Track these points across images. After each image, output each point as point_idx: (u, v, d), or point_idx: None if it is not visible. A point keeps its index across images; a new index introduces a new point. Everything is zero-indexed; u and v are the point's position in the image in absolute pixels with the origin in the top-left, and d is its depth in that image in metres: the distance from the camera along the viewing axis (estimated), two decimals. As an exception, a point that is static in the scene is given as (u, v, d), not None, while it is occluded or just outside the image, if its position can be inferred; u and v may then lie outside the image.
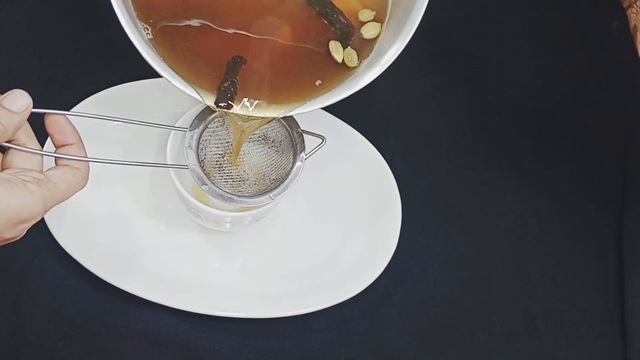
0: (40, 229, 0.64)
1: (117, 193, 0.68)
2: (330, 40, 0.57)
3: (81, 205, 0.66)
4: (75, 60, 0.73)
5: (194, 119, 0.61)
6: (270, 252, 0.68)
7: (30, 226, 0.50)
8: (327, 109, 0.71)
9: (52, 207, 0.50)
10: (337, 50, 0.56)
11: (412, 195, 0.70)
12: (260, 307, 0.65)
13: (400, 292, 0.68)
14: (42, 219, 0.63)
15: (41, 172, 0.51)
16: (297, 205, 0.69)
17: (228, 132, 0.62)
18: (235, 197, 0.60)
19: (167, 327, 0.64)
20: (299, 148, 0.61)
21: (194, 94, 0.53)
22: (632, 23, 0.63)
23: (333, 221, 0.70)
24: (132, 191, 0.68)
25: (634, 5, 0.64)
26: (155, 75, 0.68)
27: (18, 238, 0.50)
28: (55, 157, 0.53)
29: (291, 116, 0.58)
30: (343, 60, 0.56)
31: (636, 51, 0.61)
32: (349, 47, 0.57)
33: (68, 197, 0.52)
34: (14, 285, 0.65)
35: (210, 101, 0.54)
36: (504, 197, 0.73)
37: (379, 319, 0.67)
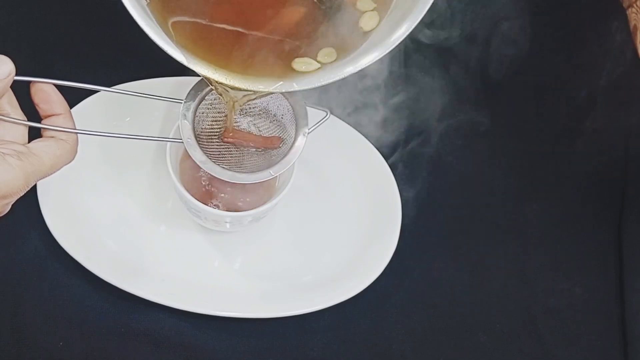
0: (40, 229, 0.65)
1: (117, 193, 0.68)
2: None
3: (82, 205, 0.66)
4: (75, 60, 0.73)
5: (190, 90, 0.57)
6: (270, 252, 0.68)
7: (13, 201, 0.47)
8: (328, 109, 0.71)
9: (36, 181, 0.48)
10: (305, 63, 0.52)
11: (412, 195, 0.70)
12: (260, 307, 0.65)
13: (400, 292, 0.68)
14: (42, 219, 0.64)
15: (24, 144, 0.48)
16: (296, 205, 0.69)
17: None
18: (233, 173, 0.56)
19: (167, 327, 0.64)
20: (301, 122, 0.58)
21: (182, 59, 0.50)
22: (632, 23, 0.63)
23: (333, 221, 0.70)
24: (132, 191, 0.68)
25: (634, 5, 0.64)
26: (156, 75, 0.69)
27: (3, 213, 0.48)
28: (41, 127, 0.50)
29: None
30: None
31: (636, 51, 0.61)
32: (326, 49, 0.53)
33: (54, 171, 0.49)
34: (14, 286, 0.64)
35: (202, 70, 0.51)
36: (504, 197, 0.73)
37: (379, 319, 0.67)
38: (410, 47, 0.73)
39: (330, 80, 0.51)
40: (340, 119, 0.71)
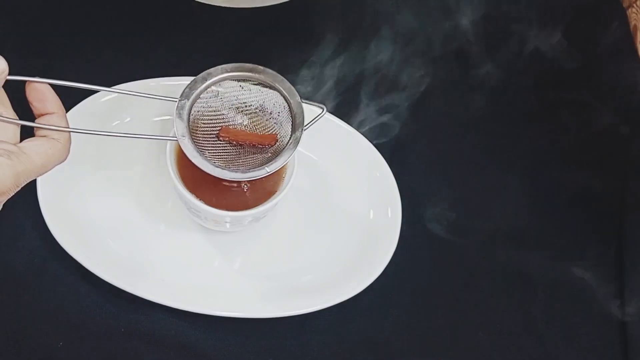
0: (40, 229, 0.65)
1: (117, 193, 0.68)
2: None
3: (82, 205, 0.66)
4: (75, 60, 0.73)
5: (185, 88, 0.57)
6: (270, 252, 0.68)
7: (4, 201, 0.46)
8: (328, 110, 0.71)
9: (26, 181, 0.47)
10: None
11: (411, 195, 0.70)
12: (260, 307, 0.65)
13: (400, 292, 0.68)
14: (42, 219, 0.64)
15: (15, 144, 0.47)
16: (296, 205, 0.69)
17: (222, 103, 0.59)
18: (228, 171, 0.57)
19: (167, 327, 0.64)
20: (297, 119, 0.58)
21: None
22: (632, 23, 0.63)
23: (333, 221, 0.70)
24: (132, 191, 0.68)
25: (634, 5, 0.64)
26: (155, 75, 0.69)
27: None
28: (34, 126, 0.49)
29: (290, 86, 0.58)
30: None
31: (636, 51, 0.61)
32: None
33: (45, 171, 0.48)
34: (14, 285, 0.65)
35: None
36: (504, 197, 0.73)
37: (379, 319, 0.67)
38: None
39: None
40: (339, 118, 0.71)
